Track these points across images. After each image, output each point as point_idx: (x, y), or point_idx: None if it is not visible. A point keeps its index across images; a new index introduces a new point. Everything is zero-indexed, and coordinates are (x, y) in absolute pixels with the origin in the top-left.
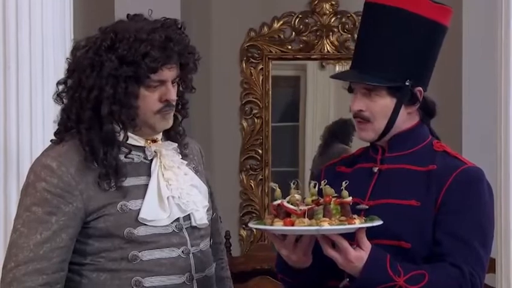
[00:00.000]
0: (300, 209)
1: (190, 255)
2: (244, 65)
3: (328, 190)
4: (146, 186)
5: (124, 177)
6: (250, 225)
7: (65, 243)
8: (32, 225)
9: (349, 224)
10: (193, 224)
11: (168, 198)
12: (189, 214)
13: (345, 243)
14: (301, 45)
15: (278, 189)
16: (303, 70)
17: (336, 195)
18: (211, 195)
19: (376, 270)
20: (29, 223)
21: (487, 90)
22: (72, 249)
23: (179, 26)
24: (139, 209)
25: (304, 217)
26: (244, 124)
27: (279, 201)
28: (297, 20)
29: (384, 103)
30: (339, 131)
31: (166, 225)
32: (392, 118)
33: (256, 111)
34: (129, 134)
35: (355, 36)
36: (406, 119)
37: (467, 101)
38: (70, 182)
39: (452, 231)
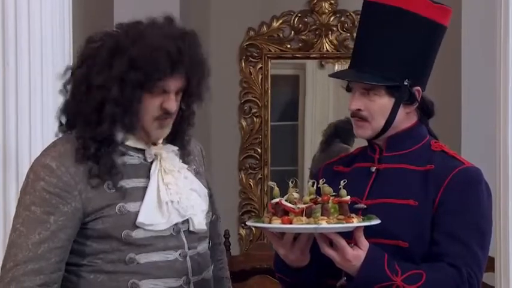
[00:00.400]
0: (298, 208)
1: (188, 258)
2: (243, 64)
3: (327, 189)
4: (145, 188)
5: (120, 177)
6: (248, 223)
7: (63, 243)
8: (31, 225)
9: (347, 222)
10: (191, 228)
11: (167, 203)
12: (187, 218)
13: (342, 242)
14: (300, 44)
15: (276, 188)
16: (302, 69)
17: (334, 194)
18: (210, 196)
19: (373, 269)
20: (28, 223)
21: (487, 90)
22: (70, 249)
23: (195, 37)
24: (138, 212)
25: (302, 215)
26: (244, 123)
27: (277, 200)
28: (296, 19)
29: (382, 102)
30: (342, 130)
31: (165, 229)
32: (390, 117)
33: (255, 110)
34: (130, 136)
35: (354, 35)
36: (404, 119)
37: (466, 101)
38: (69, 181)
39: (450, 232)
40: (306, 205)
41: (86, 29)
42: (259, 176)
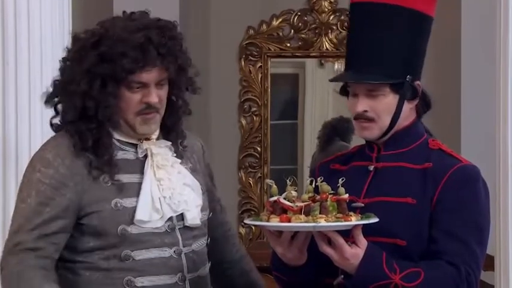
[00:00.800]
0: (297, 206)
1: (182, 255)
2: (243, 62)
3: (325, 187)
4: (140, 184)
5: (116, 170)
6: (246, 221)
7: (57, 232)
8: (27, 215)
9: (345, 221)
10: (186, 223)
11: (159, 198)
12: (182, 214)
13: (340, 240)
14: (300, 43)
15: (274, 186)
16: (302, 68)
17: (332, 192)
18: (210, 190)
19: (371, 267)
20: (24, 214)
21: (486, 88)
22: (64, 240)
23: (170, 28)
24: (134, 207)
25: (301, 214)
26: (243, 122)
27: (275, 198)
28: (296, 18)
29: (388, 101)
30: (340, 128)
31: (160, 226)
32: (396, 115)
33: (255, 109)
34: (117, 132)
35: None
36: (407, 115)
37: (466, 99)
38: (65, 173)
39: (449, 229)
40: (305, 203)
41: (86, 27)
42: (259, 174)
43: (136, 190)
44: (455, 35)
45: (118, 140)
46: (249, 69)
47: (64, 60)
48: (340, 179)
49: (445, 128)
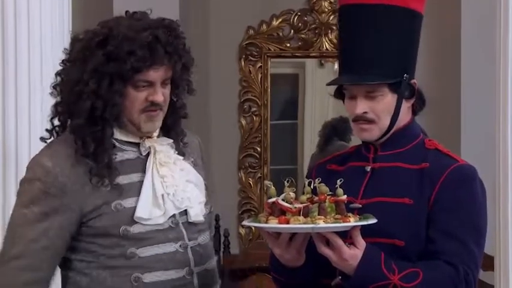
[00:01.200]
0: (295, 207)
1: (188, 249)
2: (243, 63)
3: (323, 188)
4: (141, 183)
5: (116, 174)
6: (245, 223)
7: (56, 243)
8: (27, 222)
9: (344, 222)
10: (190, 220)
11: (162, 195)
12: (185, 209)
13: (339, 241)
14: (299, 43)
15: (272, 187)
16: (302, 68)
17: (330, 193)
18: (206, 189)
19: (370, 268)
20: (24, 220)
21: (486, 88)
22: (64, 248)
23: (175, 27)
24: (134, 207)
25: (299, 215)
26: (243, 122)
27: (273, 199)
28: (296, 18)
29: (387, 101)
30: (339, 128)
31: (163, 222)
32: (395, 114)
33: (254, 109)
34: (120, 132)
35: None
36: (405, 114)
37: (466, 99)
38: (65, 181)
39: (446, 229)
40: (303, 204)
41: (86, 26)
42: (259, 174)
43: (137, 189)
44: (455, 35)
45: (119, 141)
46: (249, 69)
47: (65, 62)
48: (338, 180)
49: (445, 128)
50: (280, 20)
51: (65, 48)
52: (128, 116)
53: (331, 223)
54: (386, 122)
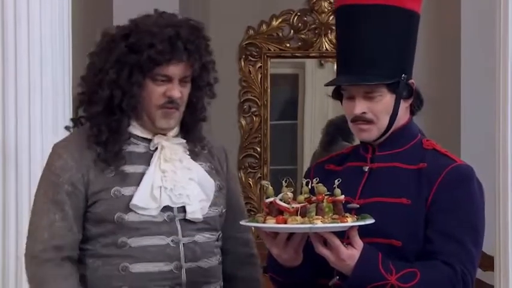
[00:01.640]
0: (293, 207)
1: (180, 244)
2: (242, 63)
3: (321, 188)
4: (143, 175)
5: (122, 163)
6: (242, 223)
7: (74, 222)
8: (43, 208)
9: (341, 222)
10: (186, 217)
11: (160, 187)
12: (184, 207)
13: (337, 242)
14: (299, 43)
15: (270, 187)
16: (302, 68)
17: (328, 193)
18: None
19: (367, 268)
20: (40, 206)
21: (486, 88)
22: (80, 230)
23: (199, 28)
24: (132, 196)
25: (297, 215)
26: (243, 122)
27: (271, 199)
28: (296, 18)
29: (386, 101)
30: (343, 128)
31: (157, 214)
32: (394, 114)
33: (254, 109)
34: (135, 124)
35: None
36: (403, 114)
37: (466, 100)
38: (73, 165)
39: (444, 230)
40: (301, 204)
41: (86, 28)
42: (259, 175)
43: (138, 180)
44: (455, 35)
45: (132, 135)
46: (249, 70)
47: (92, 54)
48: (336, 180)
49: (445, 128)
50: (280, 20)
51: (95, 42)
52: (145, 110)
53: (329, 223)
54: (384, 122)
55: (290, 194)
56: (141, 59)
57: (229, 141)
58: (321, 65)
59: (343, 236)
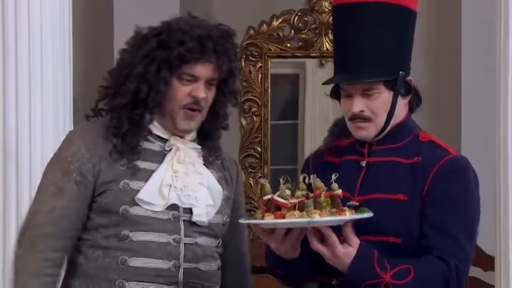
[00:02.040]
0: (291, 202)
1: (181, 244)
2: (243, 63)
3: (318, 183)
4: (154, 172)
5: (136, 157)
6: (241, 221)
7: (75, 213)
8: (47, 191)
9: (339, 215)
10: (192, 219)
11: (170, 186)
12: (190, 209)
13: (333, 237)
14: (300, 43)
15: (268, 185)
16: (302, 68)
17: (326, 188)
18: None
19: (363, 266)
20: (44, 190)
21: (487, 89)
22: (81, 219)
23: (230, 33)
24: (139, 190)
25: (295, 210)
26: (243, 122)
27: (269, 196)
28: (296, 18)
29: (383, 98)
30: (348, 129)
31: (163, 211)
32: (391, 111)
33: (255, 109)
34: (156, 124)
35: None
36: (401, 111)
37: (466, 99)
38: (85, 154)
39: (438, 224)
40: (299, 199)
41: (86, 25)
42: (259, 175)
43: (149, 176)
44: (456, 35)
45: (152, 134)
46: (249, 70)
47: (122, 51)
48: (333, 175)
49: (445, 127)
50: (280, 20)
51: (126, 41)
52: (168, 108)
53: (327, 217)
54: (382, 119)
55: (288, 191)
56: (171, 56)
57: (230, 141)
58: (322, 65)
59: (341, 233)
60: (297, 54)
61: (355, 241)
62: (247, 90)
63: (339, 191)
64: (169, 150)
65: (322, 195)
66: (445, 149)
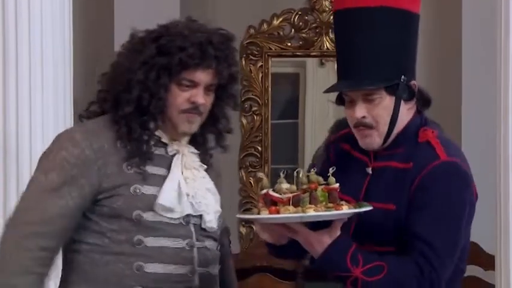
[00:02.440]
0: (285, 197)
1: (195, 249)
2: (243, 62)
3: (314, 177)
4: (164, 177)
5: (146, 162)
6: (237, 216)
7: (72, 214)
8: (45, 189)
9: (336, 210)
10: (203, 226)
11: (187, 194)
12: (200, 214)
13: (304, 230)
14: (300, 42)
15: (265, 179)
16: (303, 67)
17: (324, 182)
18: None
19: (334, 258)
20: (43, 187)
21: (487, 89)
22: (76, 221)
23: (230, 38)
24: (153, 195)
25: (289, 205)
26: (244, 121)
27: (265, 191)
28: (297, 17)
29: (385, 104)
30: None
31: (176, 217)
32: (393, 117)
33: (255, 108)
34: (159, 126)
35: None
36: (405, 116)
37: (467, 100)
38: (90, 156)
39: (414, 229)
40: (293, 194)
41: (87, 24)
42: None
43: (160, 181)
44: (456, 36)
45: (156, 137)
46: (250, 69)
47: (119, 54)
48: (330, 169)
49: (445, 128)
50: (281, 19)
51: (122, 44)
52: (169, 114)
53: (322, 211)
54: (385, 126)
55: (285, 185)
56: (171, 62)
57: (230, 140)
58: (322, 64)
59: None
60: (297, 53)
61: (334, 234)
62: (247, 89)
63: (336, 185)
64: (173, 155)
65: (319, 189)
66: (437, 152)
